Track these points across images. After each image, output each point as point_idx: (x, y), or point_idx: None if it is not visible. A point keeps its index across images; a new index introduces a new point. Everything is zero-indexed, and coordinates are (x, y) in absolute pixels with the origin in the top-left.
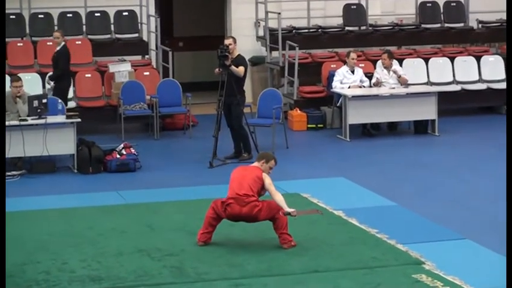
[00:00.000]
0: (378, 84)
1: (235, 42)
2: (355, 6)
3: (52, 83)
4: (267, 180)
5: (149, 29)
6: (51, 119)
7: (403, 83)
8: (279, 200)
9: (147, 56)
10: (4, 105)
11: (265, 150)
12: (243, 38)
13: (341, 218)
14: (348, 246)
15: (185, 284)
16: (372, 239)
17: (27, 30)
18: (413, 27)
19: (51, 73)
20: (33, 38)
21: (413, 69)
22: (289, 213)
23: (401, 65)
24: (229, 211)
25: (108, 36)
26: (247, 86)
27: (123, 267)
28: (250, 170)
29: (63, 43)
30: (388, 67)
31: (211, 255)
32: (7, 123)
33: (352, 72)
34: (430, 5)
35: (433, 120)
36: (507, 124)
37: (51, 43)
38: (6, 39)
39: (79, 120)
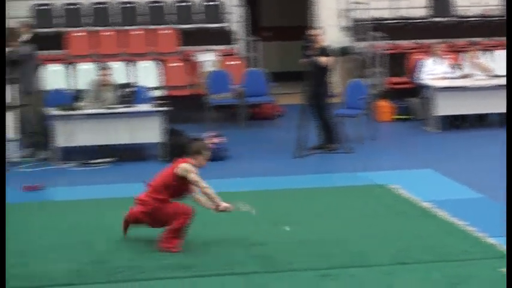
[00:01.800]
0: (467, 76)
1: (322, 32)
2: None
3: None
4: (191, 175)
5: (235, 19)
6: (138, 108)
7: (486, 71)
8: (211, 194)
9: (233, 46)
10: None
11: (352, 141)
12: (329, 28)
13: (429, 210)
14: (436, 238)
15: (273, 274)
16: (460, 231)
17: (115, 20)
18: (499, 18)
19: None
20: (121, 28)
21: (503, 60)
22: (224, 209)
23: (491, 57)
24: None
25: (195, 25)
26: (335, 77)
27: (210, 256)
28: (169, 166)
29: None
30: (474, 59)
31: (297, 246)
32: (95, 111)
33: (440, 63)
34: None
35: None
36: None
37: (139, 32)
38: (87, 28)
39: (166, 108)
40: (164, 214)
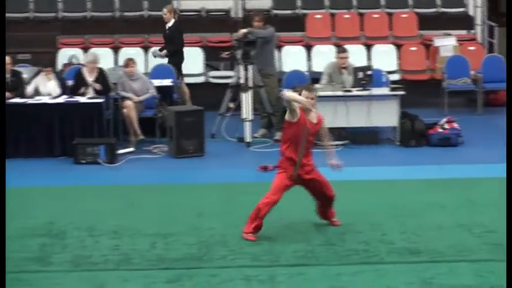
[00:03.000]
0: None
1: None
2: None
3: (161, 53)
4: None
5: (475, 3)
6: (375, 91)
7: None
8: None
9: (472, 31)
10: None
11: None
12: None
13: None
14: None
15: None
16: None
17: (354, 3)
18: None
19: (156, 48)
20: (360, 11)
21: None
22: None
23: None
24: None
25: (435, 9)
26: None
27: (443, 242)
28: None
29: (173, 20)
30: None
31: None
32: (331, 93)
33: None
34: None
35: None
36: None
37: (377, 15)
38: (327, 10)
39: (403, 93)
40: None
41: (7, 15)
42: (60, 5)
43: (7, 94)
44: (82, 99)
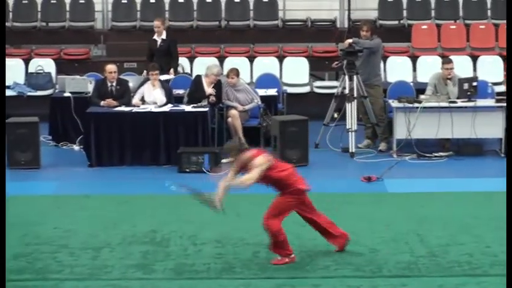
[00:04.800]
0: None
1: None
2: None
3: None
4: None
5: None
6: (480, 102)
7: None
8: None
9: None
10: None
11: None
12: None
13: None
14: None
15: None
16: None
17: (461, 13)
18: None
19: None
20: (466, 21)
21: None
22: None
23: None
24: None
25: None
26: None
27: None
28: None
29: (164, 32)
30: None
31: None
32: (436, 104)
33: None
34: None
35: None
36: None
37: (483, 26)
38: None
39: (508, 104)
40: None
41: (117, 24)
42: (167, 14)
43: (112, 102)
44: (187, 108)
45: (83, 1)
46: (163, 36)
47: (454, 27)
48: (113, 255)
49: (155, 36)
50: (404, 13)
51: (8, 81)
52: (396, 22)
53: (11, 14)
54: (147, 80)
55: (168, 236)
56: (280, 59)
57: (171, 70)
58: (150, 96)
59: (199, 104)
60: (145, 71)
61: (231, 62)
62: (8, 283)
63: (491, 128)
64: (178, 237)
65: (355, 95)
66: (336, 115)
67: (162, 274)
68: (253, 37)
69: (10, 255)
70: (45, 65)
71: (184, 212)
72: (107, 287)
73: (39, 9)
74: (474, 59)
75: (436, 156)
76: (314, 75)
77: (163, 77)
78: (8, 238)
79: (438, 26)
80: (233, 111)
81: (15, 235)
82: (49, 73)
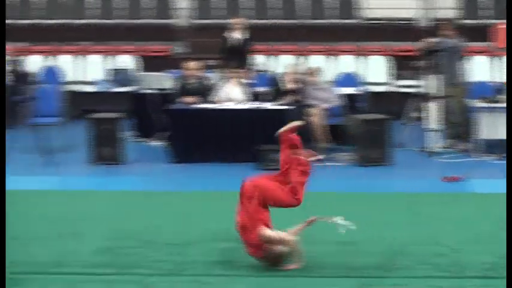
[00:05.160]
0: None
1: None
2: None
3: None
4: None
5: None
6: None
7: None
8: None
9: None
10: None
11: None
12: None
13: None
14: None
15: None
16: None
17: None
18: None
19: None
20: None
21: None
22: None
23: None
24: None
25: None
26: None
27: None
28: None
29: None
30: None
31: None
32: None
33: None
34: None
35: None
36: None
37: None
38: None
39: None
40: None
41: (199, 21)
42: (247, 11)
43: (194, 99)
44: (268, 106)
45: None
46: (241, 34)
47: None
48: (197, 251)
49: (232, 34)
50: (486, 12)
51: (91, 78)
52: (477, 21)
53: (99, 10)
54: (227, 77)
55: None
56: (360, 57)
57: (246, 72)
58: (231, 94)
59: (279, 102)
60: (224, 69)
61: (311, 61)
62: (93, 277)
63: None
64: None
65: (437, 94)
66: (416, 114)
67: (241, 271)
68: (333, 35)
69: (94, 249)
70: (128, 61)
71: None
72: (192, 283)
73: (126, 5)
74: None
75: None
76: (394, 74)
77: (242, 80)
78: (93, 232)
79: None
80: (314, 110)
81: (100, 230)
82: (131, 70)
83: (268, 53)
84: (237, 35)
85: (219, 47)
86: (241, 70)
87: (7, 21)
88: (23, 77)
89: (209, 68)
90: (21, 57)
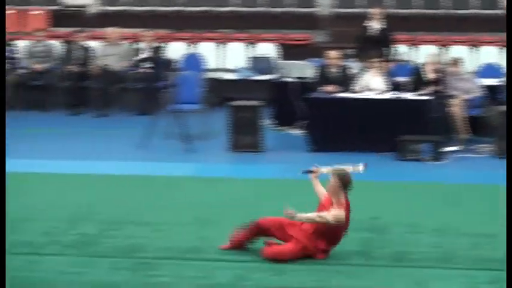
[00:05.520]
0: None
1: None
2: None
3: None
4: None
5: None
6: None
7: None
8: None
9: None
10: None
11: None
12: None
13: None
14: None
15: None
16: None
17: None
18: None
19: None
20: None
21: None
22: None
23: None
24: None
25: None
26: None
27: None
28: None
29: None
30: None
31: None
32: None
33: None
34: None
35: None
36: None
37: None
38: None
39: None
40: None
41: (341, 10)
42: (390, 1)
43: (335, 88)
44: (409, 96)
45: None
46: (379, 23)
47: None
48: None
49: (371, 23)
50: None
51: (232, 65)
52: None
53: None
54: (368, 67)
55: (387, 223)
56: (503, 48)
57: (386, 61)
58: (372, 84)
59: (420, 92)
60: (362, 58)
61: (454, 51)
62: (230, 264)
63: None
64: (397, 225)
65: None
66: None
67: (381, 261)
68: (476, 26)
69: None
70: (268, 49)
71: (403, 200)
72: (331, 273)
73: None
74: None
75: None
76: None
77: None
78: (230, 219)
79: None
80: (455, 101)
81: (236, 216)
82: (272, 58)
83: (409, 43)
84: (375, 25)
85: (357, 36)
86: (380, 59)
87: (149, 8)
88: (164, 64)
89: (348, 57)
90: (163, 44)
